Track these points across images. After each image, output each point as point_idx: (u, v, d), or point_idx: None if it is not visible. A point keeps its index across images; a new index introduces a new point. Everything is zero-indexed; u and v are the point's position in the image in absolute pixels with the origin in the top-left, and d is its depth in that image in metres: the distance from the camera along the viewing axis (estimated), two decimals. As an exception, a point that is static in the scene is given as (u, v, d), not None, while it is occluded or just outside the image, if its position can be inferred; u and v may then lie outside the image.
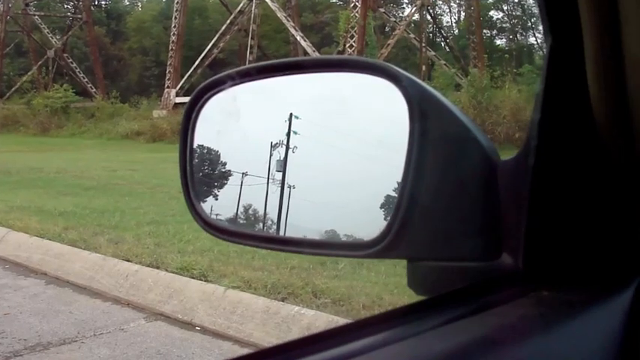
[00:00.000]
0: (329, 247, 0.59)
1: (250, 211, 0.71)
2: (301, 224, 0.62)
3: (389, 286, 3.57)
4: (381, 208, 0.56)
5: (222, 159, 0.76)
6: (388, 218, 0.54)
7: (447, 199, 0.53)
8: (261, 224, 0.70)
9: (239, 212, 0.72)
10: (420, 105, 0.53)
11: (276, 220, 0.67)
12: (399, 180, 0.53)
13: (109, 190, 7.58)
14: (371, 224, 0.55)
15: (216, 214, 0.71)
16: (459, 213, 0.53)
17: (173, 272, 3.91)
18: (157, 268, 4.04)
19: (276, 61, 0.65)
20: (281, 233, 0.63)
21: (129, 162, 11.26)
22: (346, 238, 0.59)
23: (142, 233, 5.04)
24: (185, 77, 21.83)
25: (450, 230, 0.54)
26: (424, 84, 0.55)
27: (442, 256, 0.55)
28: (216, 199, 0.74)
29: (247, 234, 0.68)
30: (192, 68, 22.13)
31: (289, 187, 0.68)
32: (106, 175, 9.28)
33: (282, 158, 0.69)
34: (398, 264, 3.62)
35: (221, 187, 0.75)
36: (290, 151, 0.68)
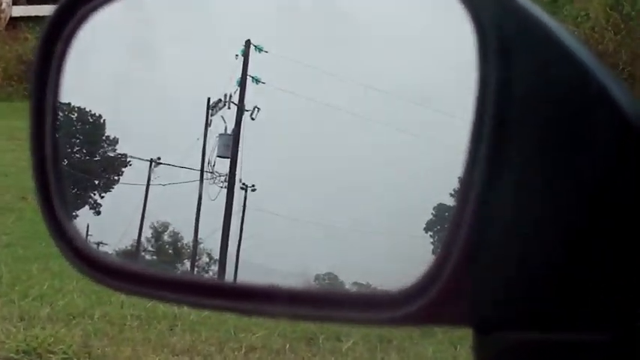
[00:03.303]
0: (324, 303, 0.60)
1: (166, 237, 0.73)
2: (269, 261, 0.62)
3: (444, 385, 3.56)
4: (426, 230, 0.57)
5: (112, 132, 0.77)
6: (438, 250, 0.55)
7: (551, 214, 0.54)
8: (187, 262, 0.71)
9: (144, 238, 0.73)
10: (499, 29, 0.54)
11: (217, 255, 0.68)
12: (460, 175, 0.54)
13: None
14: (404, 261, 0.56)
15: (100, 242, 0.72)
16: (573, 240, 0.55)
17: (10, 358, 3.87)
18: (-22, 349, 4.00)
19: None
20: (228, 278, 0.64)
21: None
22: (357, 288, 0.60)
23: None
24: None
25: (557, 273, 0.55)
26: None
27: (542, 322, 0.56)
28: (99, 213, 0.75)
29: (160, 279, 0.68)
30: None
31: (244, 187, 0.69)
32: None
33: (229, 132, 0.70)
34: (460, 341, 3.61)
35: (108, 188, 0.77)
36: (246, 116, 0.70)
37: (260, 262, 0.64)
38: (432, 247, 0.58)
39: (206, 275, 0.66)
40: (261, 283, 0.64)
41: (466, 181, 0.53)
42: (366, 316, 0.60)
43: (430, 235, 0.58)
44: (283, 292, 0.61)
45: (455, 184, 0.56)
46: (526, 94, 0.54)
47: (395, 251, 0.61)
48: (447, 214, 0.57)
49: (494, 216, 0.53)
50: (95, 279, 0.69)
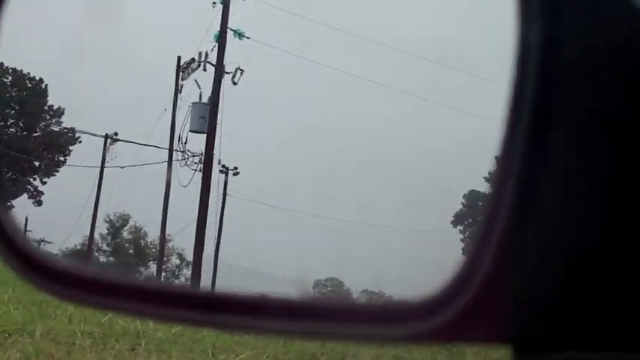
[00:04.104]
0: (325, 316, 0.61)
1: (126, 233, 0.73)
2: (256, 264, 0.62)
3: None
4: (454, 224, 0.57)
5: (57, 101, 0.77)
6: (469, 247, 0.55)
7: (612, 206, 0.54)
8: (153, 264, 0.71)
9: (98, 235, 0.73)
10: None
11: (191, 255, 0.68)
12: (496, 155, 0.54)
13: None
14: (426, 264, 0.56)
15: (42, 240, 0.72)
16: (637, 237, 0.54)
17: None
18: None
19: None
20: (205, 285, 0.63)
21: None
22: (367, 298, 0.60)
23: None
24: None
25: (618, 276, 0.55)
26: None
27: (604, 340, 0.57)
28: (40, 203, 0.75)
29: (120, 286, 0.68)
30: None
31: (224, 170, 0.69)
32: None
33: (204, 100, 0.70)
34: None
35: (52, 171, 0.77)
36: (226, 80, 0.69)
37: (245, 265, 0.63)
38: (461, 245, 0.58)
39: (177, 282, 0.66)
40: (246, 291, 0.64)
41: (503, 168, 0.53)
42: (380, 331, 0.60)
43: (459, 230, 0.58)
44: (274, 302, 0.61)
45: (487, 169, 0.56)
46: (577, 61, 0.53)
47: (415, 250, 0.61)
48: (480, 203, 0.57)
49: (537, 204, 0.53)
50: (37, 285, 0.69)
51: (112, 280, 0.71)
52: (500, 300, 0.54)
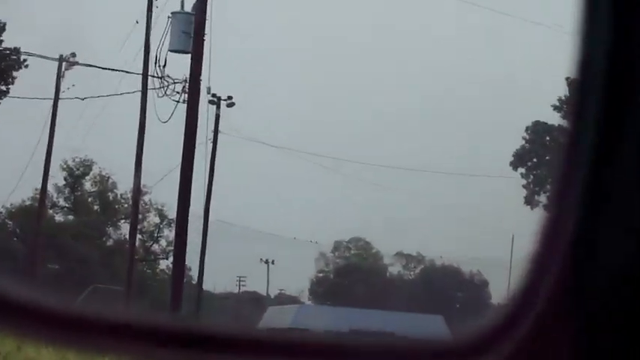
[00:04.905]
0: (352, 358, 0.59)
1: (89, 183, 0.68)
2: (259, 224, 0.59)
3: None
4: (514, 165, 0.53)
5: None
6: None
7: None
8: (124, 222, 0.67)
9: (52, 187, 0.69)
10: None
11: (174, 212, 0.64)
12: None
13: None
14: (474, 222, 0.53)
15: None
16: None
17: None
18: None
19: None
20: (206, 323, 0.62)
21: None
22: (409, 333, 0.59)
23: None
24: None
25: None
26: None
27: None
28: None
29: (94, 322, 0.67)
30: None
31: (214, 101, 0.64)
32: None
33: (187, 8, 0.65)
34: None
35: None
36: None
37: (241, 223, 0.60)
38: (523, 192, 0.56)
39: (162, 316, 0.64)
40: (247, 327, 0.62)
41: (567, 168, 0.52)
42: None
43: (521, 174, 0.55)
44: (284, 341, 0.61)
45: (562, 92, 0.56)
46: None
47: (463, 204, 0.59)
48: (547, 137, 0.55)
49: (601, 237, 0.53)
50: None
51: (85, 315, 0.72)
52: (558, 340, 0.55)
